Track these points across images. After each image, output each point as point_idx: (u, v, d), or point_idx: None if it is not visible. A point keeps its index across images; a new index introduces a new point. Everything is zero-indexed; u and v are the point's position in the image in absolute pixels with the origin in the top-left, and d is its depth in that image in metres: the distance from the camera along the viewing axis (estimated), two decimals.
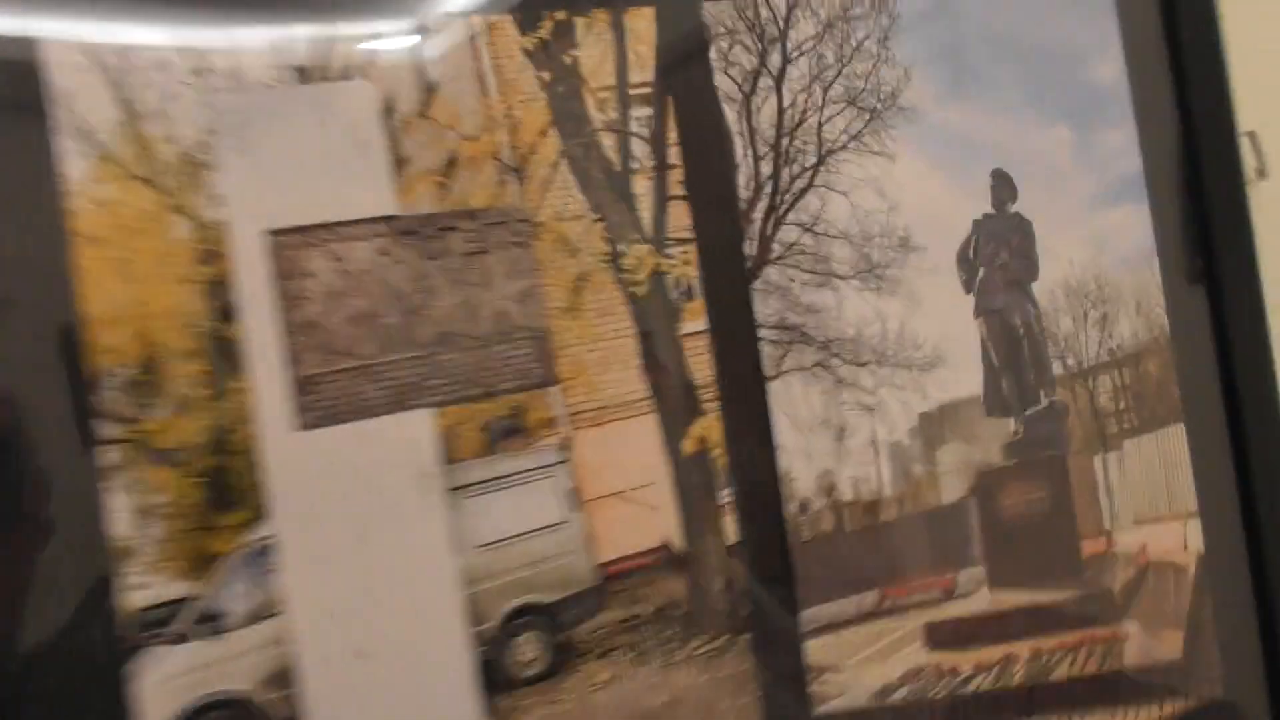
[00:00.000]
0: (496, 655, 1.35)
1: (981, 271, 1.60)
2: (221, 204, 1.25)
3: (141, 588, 1.21)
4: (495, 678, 1.34)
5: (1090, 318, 1.67)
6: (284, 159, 1.26)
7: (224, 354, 1.24)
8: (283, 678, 1.25)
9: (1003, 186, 1.61)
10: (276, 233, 1.26)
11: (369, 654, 1.27)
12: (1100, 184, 1.68)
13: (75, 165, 1.19)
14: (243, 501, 1.24)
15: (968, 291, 1.59)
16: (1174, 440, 1.74)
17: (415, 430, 1.30)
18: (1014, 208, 1.62)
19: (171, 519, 1.21)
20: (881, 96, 1.53)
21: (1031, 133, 1.63)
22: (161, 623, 1.22)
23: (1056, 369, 1.65)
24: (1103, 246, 1.68)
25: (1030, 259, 1.63)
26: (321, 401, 1.26)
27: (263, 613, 1.25)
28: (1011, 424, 1.62)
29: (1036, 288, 1.64)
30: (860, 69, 1.52)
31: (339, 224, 1.28)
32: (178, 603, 1.23)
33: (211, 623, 1.23)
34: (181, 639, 1.23)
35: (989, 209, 1.60)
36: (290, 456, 1.25)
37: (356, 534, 1.27)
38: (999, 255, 1.61)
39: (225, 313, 1.25)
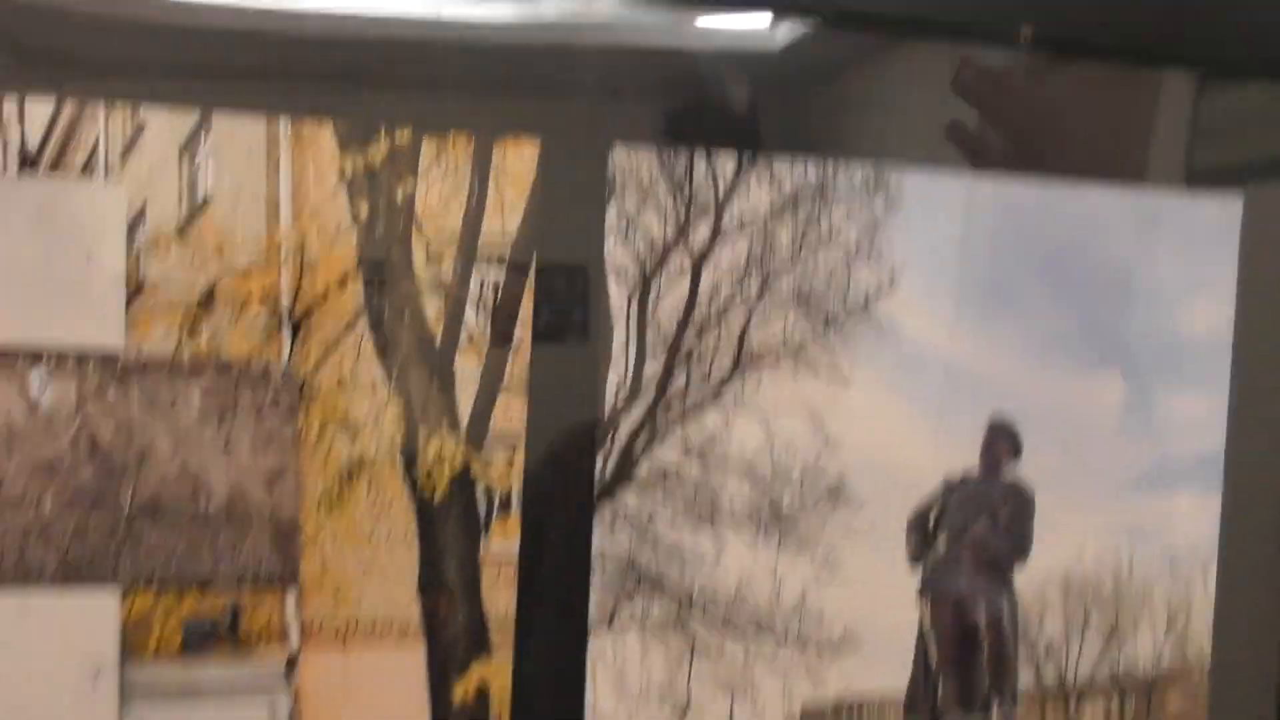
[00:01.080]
0: None
1: (941, 543, 1.15)
2: None
3: None
4: None
5: (1092, 624, 1.19)
6: None
7: None
8: None
9: (1000, 440, 1.16)
10: None
11: None
12: (1154, 459, 1.21)
13: None
14: None
15: (914, 564, 1.15)
16: None
17: (94, 613, 1.00)
18: (1012, 471, 1.15)
19: None
20: (848, 302, 1.10)
21: (1062, 378, 1.16)
22: None
23: (1026, 680, 1.19)
24: (1137, 539, 1.20)
25: (1020, 537, 1.17)
26: None
27: None
28: None
29: (1021, 576, 1.17)
30: (826, 261, 1.09)
31: (41, 351, 0.96)
32: None
33: None
34: None
35: (972, 467, 1.14)
36: None
37: None
38: (974, 526, 1.15)
39: None
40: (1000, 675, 1.25)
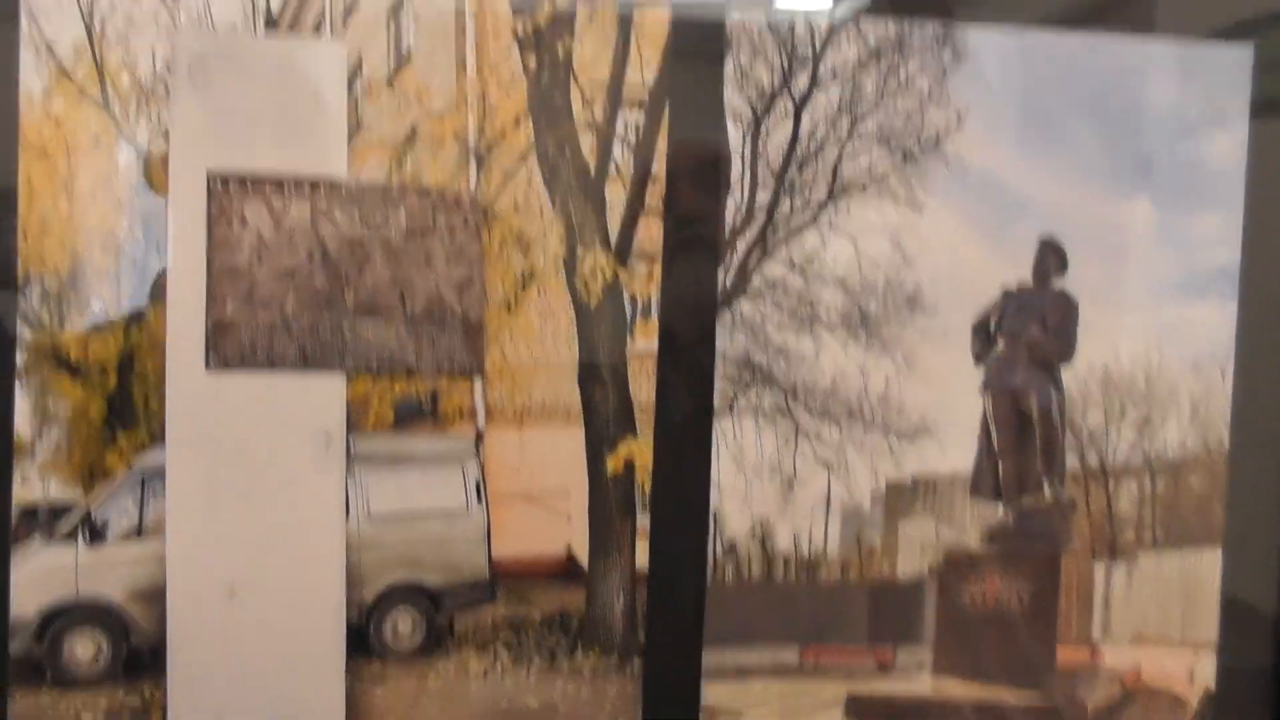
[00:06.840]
0: (370, 622, 1.22)
1: (1000, 345, 1.30)
2: (168, 139, 1.13)
3: (31, 484, 1.14)
4: (366, 643, 1.22)
5: (1128, 416, 1.35)
6: (238, 105, 1.14)
7: (147, 282, 1.14)
8: (153, 595, 1.17)
9: (1049, 257, 1.31)
10: (219, 176, 1.13)
11: (240, 594, 1.18)
12: (1180, 271, 1.35)
13: (34, 79, 1.10)
14: (143, 425, 1.15)
15: (978, 363, 1.30)
16: (1204, 564, 1.41)
17: (324, 392, 1.18)
18: (1060, 282, 1.30)
19: (72, 427, 1.14)
20: (922, 139, 1.25)
21: (1102, 202, 1.31)
22: (46, 522, 1.15)
23: (1072, 463, 1.35)
24: (1165, 341, 1.35)
25: (1066, 339, 1.33)
26: (234, 346, 1.15)
27: (143, 531, 1.17)
28: (1000, 510, 1.34)
29: (1068, 373, 1.33)
30: (903, 106, 1.25)
31: (283, 178, 1.14)
32: (65, 507, 1.16)
33: (92, 530, 1.16)
34: (62, 539, 1.16)
35: (1026, 279, 1.30)
36: (195, 393, 1.16)
37: (248, 479, 1.17)
38: (1027, 330, 1.31)
39: (155, 244, 1.14)
40: (1050, 458, 1.40)
